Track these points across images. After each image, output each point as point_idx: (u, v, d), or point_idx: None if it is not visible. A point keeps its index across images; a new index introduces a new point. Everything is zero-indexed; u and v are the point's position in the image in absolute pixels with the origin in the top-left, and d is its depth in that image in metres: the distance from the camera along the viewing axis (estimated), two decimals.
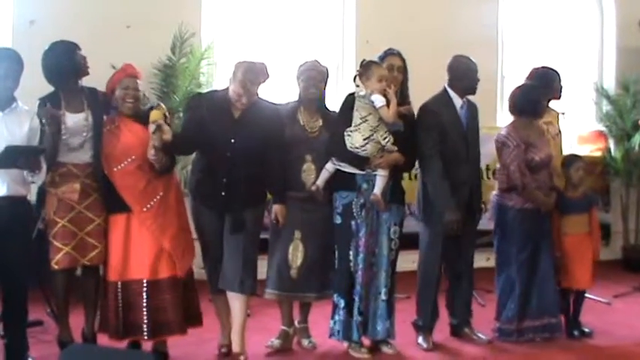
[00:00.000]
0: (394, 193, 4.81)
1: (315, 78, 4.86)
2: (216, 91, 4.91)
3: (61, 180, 4.41)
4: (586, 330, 5.33)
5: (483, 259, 5.34)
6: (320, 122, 4.87)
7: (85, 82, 4.62)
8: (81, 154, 4.45)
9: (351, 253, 4.72)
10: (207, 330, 4.86)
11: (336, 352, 4.92)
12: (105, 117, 4.55)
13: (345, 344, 4.87)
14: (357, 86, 4.74)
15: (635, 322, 5.82)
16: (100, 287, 4.55)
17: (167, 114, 4.61)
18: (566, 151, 5.70)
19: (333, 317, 4.82)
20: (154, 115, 4.33)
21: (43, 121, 4.30)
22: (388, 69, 4.80)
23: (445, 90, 5.06)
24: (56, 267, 4.39)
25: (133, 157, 4.42)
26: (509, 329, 5.14)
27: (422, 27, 7.57)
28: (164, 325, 4.44)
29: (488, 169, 7.06)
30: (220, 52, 7.14)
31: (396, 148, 4.70)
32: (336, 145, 4.72)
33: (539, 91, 5.15)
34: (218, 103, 4.60)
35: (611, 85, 8.62)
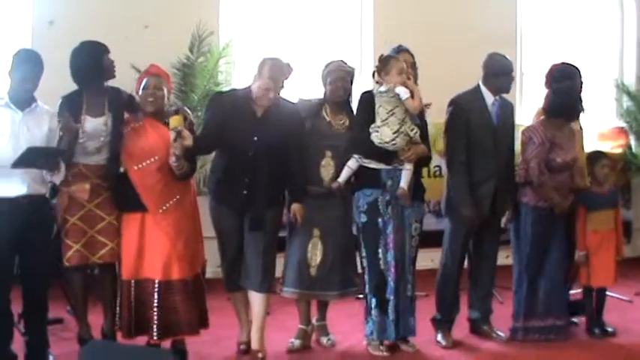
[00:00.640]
0: (415, 189, 4.79)
1: (343, 79, 4.86)
2: (236, 90, 4.91)
3: (73, 179, 4.44)
4: (609, 329, 5.29)
5: (502, 257, 5.31)
6: (346, 121, 4.86)
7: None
8: (95, 157, 4.48)
9: (380, 251, 4.71)
10: (225, 328, 4.89)
11: (355, 350, 4.92)
12: (127, 116, 4.57)
13: (365, 342, 4.86)
14: (377, 82, 4.74)
15: None
16: (116, 285, 4.56)
17: (190, 116, 4.62)
18: (587, 149, 5.66)
19: (366, 319, 4.80)
20: (174, 121, 4.31)
21: (60, 124, 4.32)
22: None
23: (478, 86, 5.05)
24: (67, 264, 4.44)
25: (156, 157, 4.42)
26: (516, 327, 5.13)
27: (440, 25, 7.55)
28: (174, 325, 4.43)
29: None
30: (238, 50, 7.15)
31: (420, 140, 4.71)
32: (360, 143, 4.71)
33: (575, 95, 5.07)
34: (240, 102, 4.60)
35: (631, 81, 8.55)
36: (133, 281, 4.44)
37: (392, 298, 4.71)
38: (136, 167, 4.44)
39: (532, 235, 5.05)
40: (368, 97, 4.77)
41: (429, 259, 5.30)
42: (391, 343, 4.86)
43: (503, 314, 5.35)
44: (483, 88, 5.03)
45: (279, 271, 4.80)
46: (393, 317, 4.73)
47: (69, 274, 4.54)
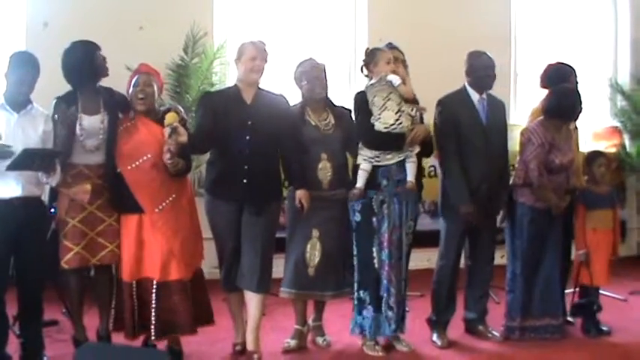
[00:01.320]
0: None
1: (319, 77, 4.86)
2: (223, 88, 4.94)
3: (73, 180, 4.41)
4: (604, 328, 5.30)
5: (498, 257, 5.32)
6: (331, 119, 4.87)
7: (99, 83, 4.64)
8: (95, 156, 4.46)
9: (374, 249, 4.72)
10: (221, 328, 4.88)
11: (350, 350, 4.92)
12: (121, 116, 4.57)
13: (360, 342, 4.87)
14: (367, 76, 4.77)
15: None
16: (112, 287, 4.56)
17: (184, 116, 4.63)
18: (582, 148, 5.68)
19: (360, 314, 4.80)
20: (170, 118, 4.32)
21: (56, 117, 4.31)
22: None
23: (464, 86, 5.06)
24: (66, 266, 4.40)
25: (149, 155, 4.41)
26: (512, 326, 5.13)
27: (434, 24, 7.57)
28: (171, 325, 4.44)
29: None
30: (233, 51, 7.12)
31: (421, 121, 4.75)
32: (365, 135, 4.71)
33: (575, 97, 5.06)
34: (228, 95, 4.67)
35: (625, 80, 8.58)
36: (134, 282, 4.44)
37: (385, 295, 4.72)
38: (129, 167, 4.43)
39: (529, 235, 5.06)
40: (362, 96, 4.78)
41: (424, 259, 5.31)
42: (386, 343, 4.87)
43: (498, 314, 5.36)
44: (468, 87, 5.05)
45: (276, 272, 4.79)
46: (387, 314, 4.74)
47: (65, 276, 4.51)
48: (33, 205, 4.34)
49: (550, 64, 5.54)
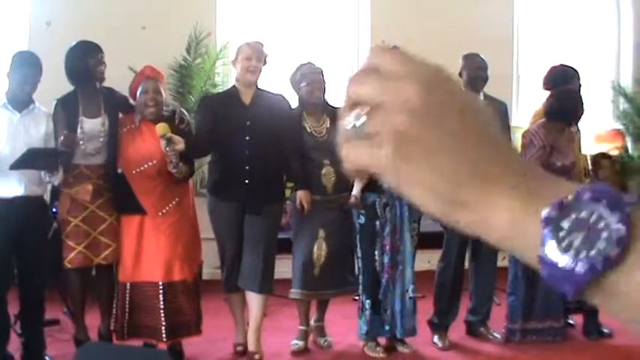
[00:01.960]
0: None
1: (318, 80, 4.86)
2: (222, 91, 4.95)
3: (75, 180, 4.42)
4: (605, 330, 5.29)
5: (499, 259, 5.32)
6: (327, 124, 4.86)
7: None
8: (95, 158, 4.46)
9: (376, 252, 4.72)
10: (222, 329, 4.89)
11: (352, 351, 4.92)
12: (121, 116, 4.57)
13: (362, 343, 4.87)
14: None
15: None
16: (114, 286, 4.56)
17: (187, 117, 4.63)
18: (584, 151, 5.67)
19: (360, 318, 4.81)
20: (160, 129, 4.27)
21: (59, 139, 4.30)
22: None
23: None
24: (69, 266, 4.41)
25: (154, 161, 4.41)
26: (513, 329, 5.13)
27: (437, 26, 7.56)
28: (181, 326, 4.46)
29: None
30: (235, 51, 7.14)
31: None
32: None
33: (577, 98, 5.06)
34: (227, 97, 4.70)
35: (628, 82, 8.57)
36: (128, 284, 4.44)
37: (384, 298, 4.72)
38: (134, 171, 4.44)
39: None
40: None
41: (425, 261, 5.31)
42: (388, 344, 4.87)
43: (500, 316, 5.35)
44: (464, 89, 5.04)
45: (279, 273, 4.79)
46: (385, 317, 4.74)
47: (68, 275, 4.52)
48: (35, 205, 4.35)
49: (553, 66, 5.54)
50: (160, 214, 4.43)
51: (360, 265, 4.79)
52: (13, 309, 4.48)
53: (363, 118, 0.61)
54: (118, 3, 6.71)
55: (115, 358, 3.01)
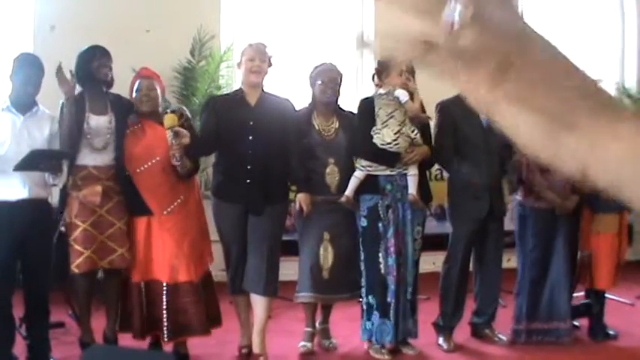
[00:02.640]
0: (418, 192, 4.79)
1: (334, 81, 4.88)
2: (228, 93, 4.96)
3: (83, 183, 4.40)
4: (611, 332, 5.28)
5: (504, 260, 5.31)
6: (336, 124, 4.87)
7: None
8: (103, 156, 4.44)
9: (380, 255, 4.71)
10: (227, 331, 4.88)
11: (357, 352, 4.92)
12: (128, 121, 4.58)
13: (366, 345, 4.86)
14: (377, 85, 4.75)
15: None
16: (120, 290, 4.57)
17: (187, 113, 4.64)
18: None
19: (369, 320, 4.79)
20: (168, 120, 4.30)
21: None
22: None
23: None
24: (77, 271, 4.38)
25: (158, 158, 4.43)
26: (518, 329, 5.11)
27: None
28: (184, 326, 4.46)
29: None
30: (239, 54, 7.14)
31: (422, 142, 4.71)
32: (362, 144, 4.72)
33: None
34: (233, 98, 4.71)
35: (632, 84, 8.55)
36: (142, 283, 4.46)
37: (393, 301, 4.71)
38: (138, 170, 4.45)
39: (533, 236, 5.04)
40: (368, 103, 4.77)
41: (430, 263, 5.30)
42: (392, 346, 4.86)
43: (505, 317, 5.34)
44: None
45: (283, 275, 4.79)
46: (393, 320, 4.72)
47: (74, 278, 4.49)
48: (39, 208, 4.35)
49: None
50: (165, 212, 4.44)
51: (363, 268, 4.78)
52: (18, 312, 4.47)
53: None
54: (122, 6, 6.71)
55: None
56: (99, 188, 4.39)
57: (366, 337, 4.82)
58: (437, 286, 5.18)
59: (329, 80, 4.85)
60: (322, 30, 7.74)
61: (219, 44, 6.95)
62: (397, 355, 4.84)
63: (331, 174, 4.81)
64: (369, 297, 4.76)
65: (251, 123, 4.53)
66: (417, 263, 4.84)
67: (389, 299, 4.72)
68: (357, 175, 4.72)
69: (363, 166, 4.72)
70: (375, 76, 4.76)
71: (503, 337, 5.14)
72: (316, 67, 4.93)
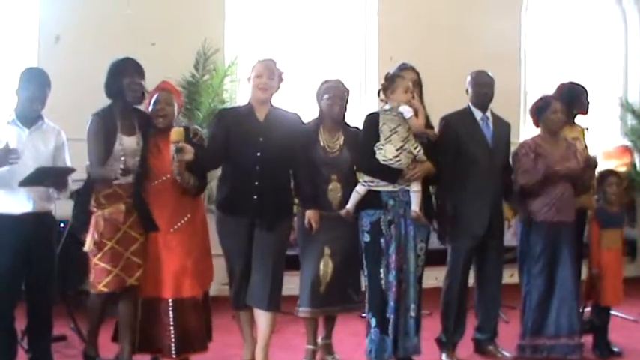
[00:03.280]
0: (422, 208, 4.77)
1: (341, 97, 4.88)
2: (238, 106, 4.95)
3: (107, 201, 4.35)
4: (615, 349, 5.26)
5: (507, 276, 5.30)
6: (341, 141, 4.87)
7: None
8: (127, 177, 4.38)
9: (382, 270, 4.70)
10: (230, 346, 4.88)
11: None
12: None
13: None
14: (382, 100, 4.76)
15: None
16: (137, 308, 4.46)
17: (200, 132, 4.64)
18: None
19: (369, 335, 4.76)
20: (175, 135, 4.28)
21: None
22: None
23: (468, 105, 5.09)
24: (105, 289, 4.29)
25: (169, 175, 4.42)
26: (523, 345, 5.08)
27: (444, 43, 7.59)
28: (189, 343, 4.44)
29: None
30: (244, 68, 7.16)
31: (425, 158, 4.70)
32: (365, 160, 4.71)
33: (542, 103, 5.11)
34: (242, 112, 4.68)
35: (635, 99, 8.57)
36: (140, 300, 4.43)
37: (392, 317, 4.69)
38: (150, 186, 4.46)
39: (537, 249, 5.01)
40: (373, 118, 4.77)
41: (433, 278, 5.28)
42: None
43: (508, 333, 5.33)
44: (471, 106, 5.08)
45: (287, 290, 4.77)
46: (392, 336, 4.70)
47: (91, 296, 4.40)
48: (44, 221, 4.34)
49: (562, 83, 5.56)
50: (172, 230, 4.43)
51: (366, 284, 4.77)
52: (20, 324, 4.47)
53: None
54: (127, 19, 6.73)
55: None
56: (122, 207, 4.35)
57: (368, 352, 4.80)
58: (439, 301, 5.16)
59: (336, 95, 4.86)
60: (325, 44, 7.76)
61: (223, 58, 6.96)
62: None
63: (334, 190, 4.81)
64: (370, 313, 4.75)
65: (260, 139, 4.53)
66: (420, 279, 4.81)
67: (388, 315, 4.69)
68: (359, 190, 4.72)
69: (365, 182, 4.72)
70: (381, 92, 4.77)
71: (507, 354, 5.11)
72: (323, 83, 4.94)
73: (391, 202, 4.69)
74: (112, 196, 4.36)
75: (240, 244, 4.58)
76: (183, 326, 4.40)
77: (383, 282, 4.69)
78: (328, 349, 5.05)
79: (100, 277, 4.29)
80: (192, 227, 4.50)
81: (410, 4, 7.69)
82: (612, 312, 5.46)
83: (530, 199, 5.00)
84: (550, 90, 5.54)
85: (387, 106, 4.71)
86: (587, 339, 5.31)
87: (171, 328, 4.37)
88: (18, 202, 4.22)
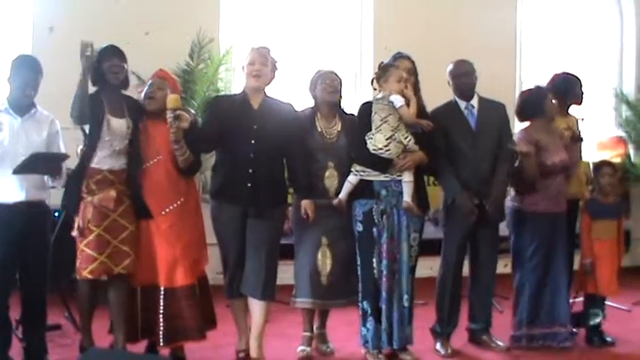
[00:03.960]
0: (415, 198, 4.77)
1: (335, 80, 4.89)
2: (233, 94, 4.93)
3: (97, 187, 4.32)
4: (608, 339, 5.28)
5: (501, 266, 5.31)
6: (338, 127, 4.88)
7: None
8: (118, 160, 4.37)
9: (374, 260, 4.70)
10: (224, 335, 4.87)
11: (354, 358, 4.90)
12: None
13: (363, 350, 4.84)
14: (375, 89, 4.76)
15: None
16: (128, 297, 4.44)
17: (191, 113, 4.62)
18: (585, 158, 5.67)
19: (364, 325, 4.77)
20: (172, 101, 4.23)
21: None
22: None
23: (453, 98, 5.10)
24: (90, 276, 4.26)
25: (159, 157, 4.42)
26: (518, 334, 5.10)
27: (440, 33, 7.57)
28: (180, 331, 4.43)
29: None
30: (238, 57, 7.13)
31: (417, 148, 4.69)
32: (357, 149, 4.71)
33: (538, 92, 5.12)
34: (236, 100, 4.67)
35: (630, 90, 8.57)
36: (139, 288, 4.43)
37: (384, 307, 4.70)
38: (141, 168, 4.44)
39: (533, 241, 5.03)
40: (366, 107, 4.77)
41: (427, 267, 5.29)
42: (389, 351, 4.84)
43: (502, 323, 5.34)
44: (455, 97, 5.07)
45: (281, 279, 4.77)
46: (385, 326, 4.71)
47: (80, 283, 4.38)
48: (37, 210, 4.33)
49: (556, 74, 5.55)
50: (163, 213, 4.42)
51: (359, 273, 4.77)
52: (14, 314, 4.46)
53: None
54: (122, 8, 6.71)
55: None
56: (113, 193, 4.32)
57: (363, 342, 4.81)
58: (434, 291, 5.17)
59: (331, 82, 4.87)
60: (320, 33, 7.75)
61: (218, 47, 6.95)
62: None
63: (330, 177, 4.81)
64: (364, 302, 4.75)
65: (255, 127, 4.52)
66: (413, 269, 4.82)
67: (380, 304, 4.70)
68: (351, 180, 4.72)
69: (357, 171, 4.72)
70: (374, 81, 4.76)
71: (501, 343, 5.12)
72: (317, 72, 4.94)
73: (383, 192, 4.69)
74: (102, 181, 4.33)
75: (234, 233, 4.57)
76: (174, 315, 4.38)
77: (376, 271, 4.70)
78: (322, 338, 5.06)
79: (86, 264, 4.26)
80: (184, 211, 4.48)
81: None
82: (607, 302, 5.48)
83: (528, 194, 5.01)
84: (545, 80, 5.54)
85: (378, 95, 4.71)
86: (580, 329, 5.35)
87: (161, 315, 4.37)
88: (11, 191, 4.21)
